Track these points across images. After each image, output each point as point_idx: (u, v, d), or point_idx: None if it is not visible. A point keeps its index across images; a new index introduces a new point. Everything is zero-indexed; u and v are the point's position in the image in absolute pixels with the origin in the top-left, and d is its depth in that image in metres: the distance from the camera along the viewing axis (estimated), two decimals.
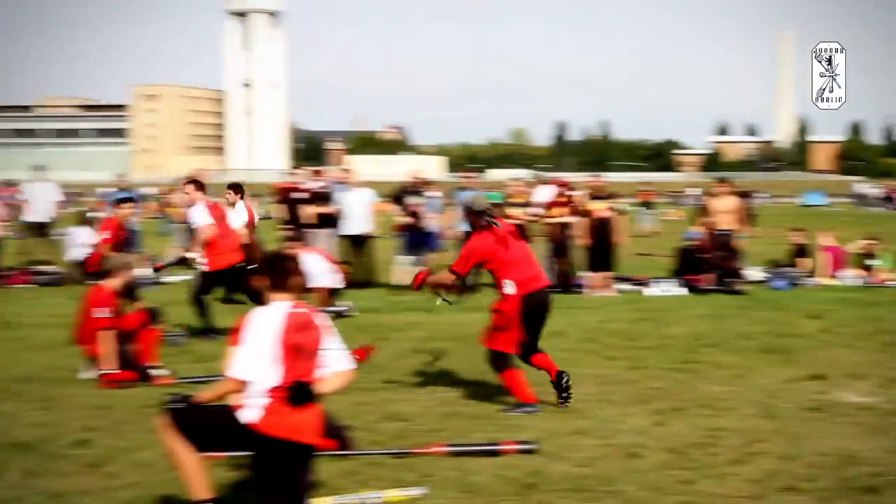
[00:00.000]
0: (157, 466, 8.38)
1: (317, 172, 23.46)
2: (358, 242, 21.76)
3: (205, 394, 7.10)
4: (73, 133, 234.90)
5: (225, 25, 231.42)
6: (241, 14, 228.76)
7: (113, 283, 12.70)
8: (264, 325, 6.88)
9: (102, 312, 12.26)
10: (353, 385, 8.62)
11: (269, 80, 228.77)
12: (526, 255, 11.05)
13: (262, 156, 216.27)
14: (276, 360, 6.80)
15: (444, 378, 12.34)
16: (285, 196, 22.00)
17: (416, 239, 21.16)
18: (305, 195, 21.38)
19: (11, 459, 8.82)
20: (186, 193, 15.70)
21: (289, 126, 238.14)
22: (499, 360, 10.79)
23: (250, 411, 6.79)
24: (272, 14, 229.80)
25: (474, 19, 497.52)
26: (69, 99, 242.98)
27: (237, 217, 17.10)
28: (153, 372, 12.35)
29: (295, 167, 24.53)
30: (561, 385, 10.84)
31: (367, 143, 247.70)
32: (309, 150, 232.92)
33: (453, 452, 8.84)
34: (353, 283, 20.12)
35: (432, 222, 21.57)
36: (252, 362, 6.80)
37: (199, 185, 15.65)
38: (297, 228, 20.69)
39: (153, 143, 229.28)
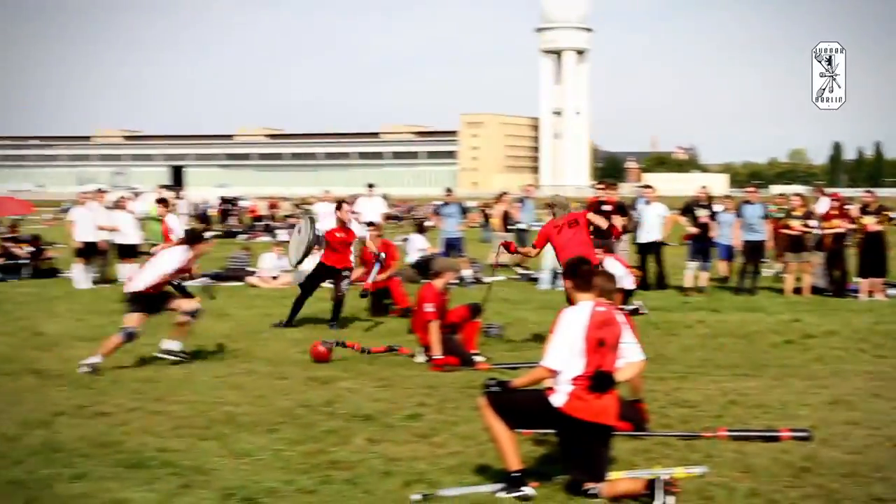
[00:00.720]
0: (476, 439, 8.51)
1: (612, 186, 23.19)
2: (651, 249, 21.57)
3: (519, 379, 7.19)
4: (411, 155, 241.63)
5: (540, 62, 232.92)
6: (555, 52, 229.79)
7: (439, 282, 12.98)
8: (573, 322, 6.91)
9: (430, 307, 12.56)
10: (645, 374, 8.55)
11: (575, 108, 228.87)
12: (578, 239, 12.59)
13: (567, 174, 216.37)
14: (582, 353, 6.83)
15: (726, 370, 12.05)
16: (594, 208, 21.86)
17: (703, 247, 20.76)
18: (610, 207, 21.25)
19: (356, 428, 9.14)
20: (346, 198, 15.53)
21: (591, 148, 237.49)
22: None
23: (559, 396, 6.84)
24: (580, 52, 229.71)
25: (757, 51, 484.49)
26: (407, 126, 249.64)
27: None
28: (474, 358, 12.54)
29: (600, 183, 24.20)
30: None
31: (660, 162, 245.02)
32: (608, 168, 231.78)
33: (734, 437, 8.64)
34: (645, 285, 19.95)
35: (718, 232, 21.15)
36: (561, 354, 6.85)
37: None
38: (602, 236, 20.58)
39: (476, 163, 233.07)
